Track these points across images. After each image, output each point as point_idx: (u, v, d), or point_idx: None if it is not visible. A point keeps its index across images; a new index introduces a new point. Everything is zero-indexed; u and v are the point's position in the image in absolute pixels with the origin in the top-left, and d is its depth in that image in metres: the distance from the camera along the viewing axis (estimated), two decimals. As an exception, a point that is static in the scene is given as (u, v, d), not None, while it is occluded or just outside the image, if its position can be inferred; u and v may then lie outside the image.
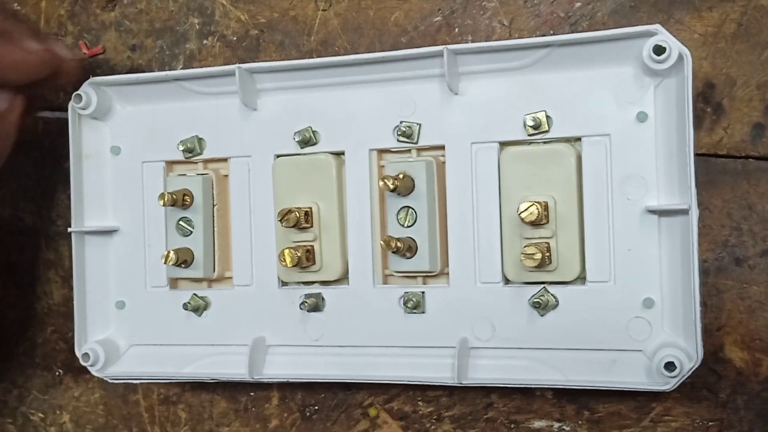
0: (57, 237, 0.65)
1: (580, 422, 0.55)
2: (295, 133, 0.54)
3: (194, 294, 0.56)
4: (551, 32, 0.55)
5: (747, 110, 0.52)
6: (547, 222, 0.49)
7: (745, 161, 0.52)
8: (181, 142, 0.56)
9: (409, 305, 0.52)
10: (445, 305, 0.52)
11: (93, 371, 0.57)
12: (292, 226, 0.52)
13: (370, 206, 0.53)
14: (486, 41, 0.54)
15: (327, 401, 0.60)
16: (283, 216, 0.52)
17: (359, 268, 0.53)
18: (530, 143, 0.51)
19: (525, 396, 0.56)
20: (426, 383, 0.52)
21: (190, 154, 0.56)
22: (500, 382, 0.51)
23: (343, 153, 0.54)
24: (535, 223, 0.49)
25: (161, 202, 0.54)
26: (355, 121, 0.53)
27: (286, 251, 0.52)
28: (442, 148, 0.52)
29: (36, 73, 0.52)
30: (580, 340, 0.50)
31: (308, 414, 0.61)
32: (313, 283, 0.55)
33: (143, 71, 0.62)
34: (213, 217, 0.56)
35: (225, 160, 0.56)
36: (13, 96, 0.52)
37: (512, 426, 0.56)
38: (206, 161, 0.56)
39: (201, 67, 0.61)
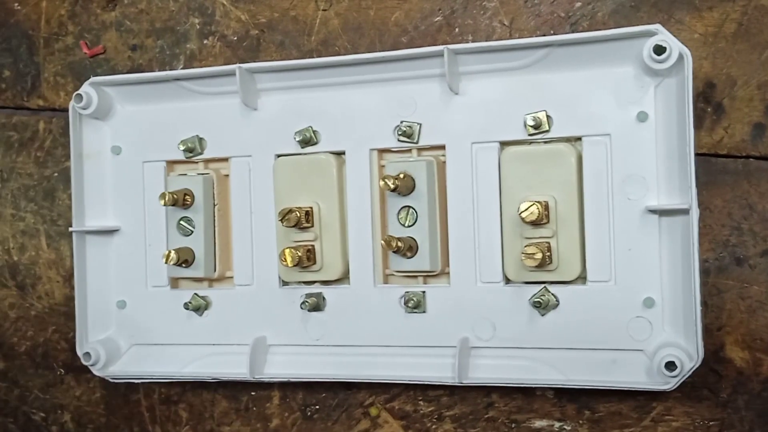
0: (58, 237, 0.65)
1: (580, 422, 0.55)
2: (295, 132, 0.54)
3: (195, 293, 0.57)
4: (551, 32, 0.55)
5: (747, 110, 0.52)
6: (548, 222, 0.49)
7: (745, 161, 0.52)
8: (181, 141, 0.56)
9: (409, 305, 0.52)
10: (446, 305, 0.52)
11: (94, 371, 0.57)
12: (293, 226, 0.52)
13: (371, 206, 0.53)
14: (486, 41, 0.54)
15: (328, 401, 0.60)
16: (284, 216, 0.52)
17: (360, 267, 0.53)
18: (531, 143, 0.51)
19: (525, 396, 0.56)
20: (427, 383, 0.52)
21: (191, 154, 0.56)
22: (501, 381, 0.51)
23: (343, 153, 0.54)
24: (536, 223, 0.49)
25: (162, 202, 0.54)
26: (355, 120, 0.53)
27: (287, 251, 0.52)
28: (443, 147, 0.52)
29: None
30: (581, 339, 0.50)
31: (309, 413, 0.61)
32: (313, 282, 0.55)
33: (144, 71, 0.62)
34: (214, 216, 0.56)
35: (226, 159, 0.56)
36: None
37: (513, 425, 0.57)
38: (207, 161, 0.57)
39: (201, 67, 0.61)
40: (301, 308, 0.54)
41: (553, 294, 0.50)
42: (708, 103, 0.52)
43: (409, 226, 0.52)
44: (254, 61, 0.59)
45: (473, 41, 0.56)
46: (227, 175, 0.56)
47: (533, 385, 0.51)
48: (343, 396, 0.60)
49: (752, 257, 0.52)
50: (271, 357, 0.55)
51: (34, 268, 0.66)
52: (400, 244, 0.50)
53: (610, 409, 0.55)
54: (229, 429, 0.62)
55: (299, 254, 0.52)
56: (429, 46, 0.51)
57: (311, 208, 0.53)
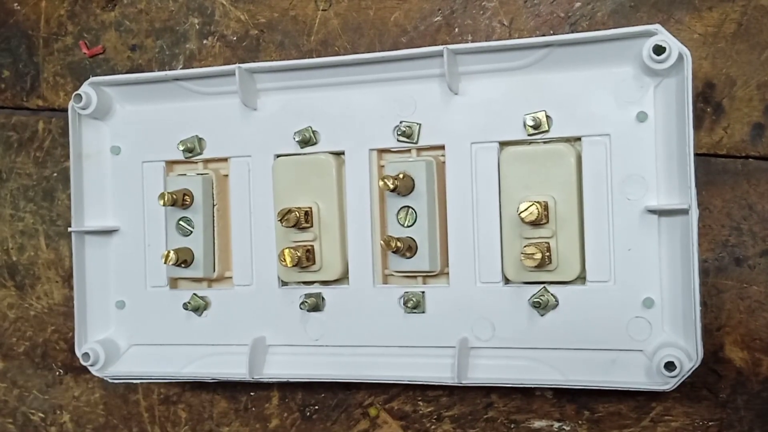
0: (57, 237, 0.65)
1: (580, 422, 0.55)
2: (295, 133, 0.54)
3: (194, 294, 0.56)
4: (551, 32, 0.55)
5: (747, 110, 0.52)
6: (547, 222, 0.49)
7: (745, 161, 0.52)
8: (181, 142, 0.56)
9: (409, 305, 0.52)
10: (445, 305, 0.52)
11: (93, 371, 0.57)
12: (292, 226, 0.52)
13: (370, 206, 0.53)
14: (486, 41, 0.54)
15: (327, 401, 0.60)
16: (283, 216, 0.52)
17: (359, 267, 0.53)
18: (530, 143, 0.51)
19: (525, 396, 0.56)
20: (426, 383, 0.52)
21: (190, 154, 0.56)
22: (500, 381, 0.51)
23: (343, 153, 0.54)
24: (535, 223, 0.49)
25: (161, 202, 0.54)
26: (355, 121, 0.53)
27: (286, 251, 0.52)
28: (442, 148, 0.52)
29: None
30: (580, 340, 0.50)
31: (308, 414, 0.61)
32: (313, 282, 0.55)
33: (143, 71, 0.62)
34: (213, 216, 0.56)
35: (225, 160, 0.56)
36: None
37: (512, 426, 0.57)
38: (206, 161, 0.57)
39: (201, 67, 0.61)
40: (301, 308, 0.54)
41: (552, 294, 0.50)
42: (707, 103, 0.52)
43: (408, 227, 0.52)
44: (254, 61, 0.59)
45: (473, 41, 0.56)
46: (226, 176, 0.56)
47: (532, 386, 0.51)
48: (343, 396, 0.60)
49: (752, 257, 0.52)
50: (271, 357, 0.55)
51: (33, 268, 0.66)
52: (399, 244, 0.50)
53: (609, 410, 0.55)
54: (228, 429, 0.62)
55: (298, 254, 0.52)
56: (429, 46, 0.51)
57: (310, 208, 0.53)
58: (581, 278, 0.50)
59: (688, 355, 0.47)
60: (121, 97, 0.57)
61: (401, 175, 0.51)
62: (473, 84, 0.51)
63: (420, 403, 0.58)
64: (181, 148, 0.56)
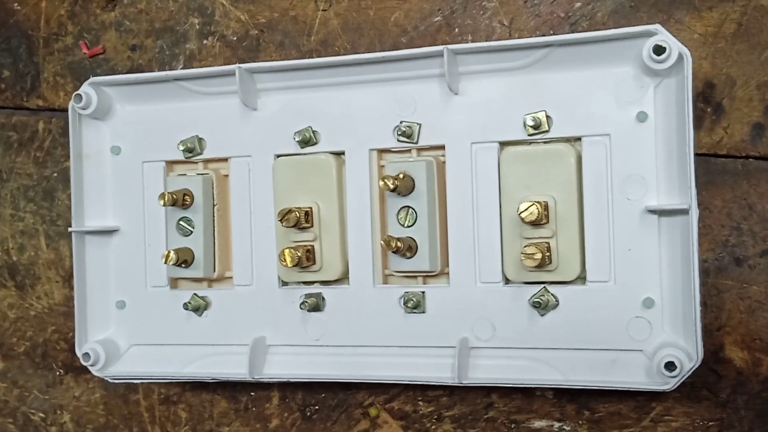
0: (57, 237, 0.65)
1: (580, 422, 0.55)
2: (295, 133, 0.54)
3: (194, 294, 0.56)
4: (551, 32, 0.55)
5: (747, 110, 0.52)
6: (547, 222, 0.49)
7: (745, 161, 0.52)
8: (181, 142, 0.56)
9: (409, 305, 0.52)
10: (446, 305, 0.52)
11: (93, 371, 0.57)
12: (293, 226, 0.52)
13: (370, 206, 0.53)
14: (486, 41, 0.54)
15: (327, 401, 0.60)
16: (284, 216, 0.52)
17: (359, 267, 0.53)
18: (530, 143, 0.51)
19: (525, 396, 0.56)
20: (426, 383, 0.52)
21: (191, 154, 0.56)
22: (500, 381, 0.51)
23: (343, 153, 0.54)
24: (535, 223, 0.49)
25: (161, 202, 0.54)
26: (355, 121, 0.53)
27: (287, 251, 0.52)
28: (442, 147, 0.52)
29: None
30: (580, 340, 0.50)
31: (308, 414, 0.61)
32: (313, 282, 0.55)
33: (143, 71, 0.62)
34: (213, 216, 0.56)
35: (225, 160, 0.56)
36: None
37: (512, 426, 0.57)
38: (206, 161, 0.57)
39: (201, 67, 0.61)
40: (301, 308, 0.54)
41: (552, 294, 0.50)
42: (707, 103, 0.52)
43: (408, 227, 0.52)
44: (254, 61, 0.59)
45: (473, 41, 0.56)
46: (227, 176, 0.56)
47: (533, 386, 0.51)
48: (343, 396, 0.60)
49: (752, 257, 0.52)
50: (271, 357, 0.55)
51: (34, 269, 0.66)
52: (399, 244, 0.50)
53: (609, 410, 0.55)
54: (229, 429, 0.62)
55: (299, 254, 0.52)
56: (429, 46, 0.51)
57: (311, 208, 0.53)
58: (581, 278, 0.50)
59: (688, 355, 0.47)
60: (121, 97, 0.57)
61: (401, 175, 0.51)
62: (473, 84, 0.51)
63: (420, 403, 0.58)
64: (181, 148, 0.56)
